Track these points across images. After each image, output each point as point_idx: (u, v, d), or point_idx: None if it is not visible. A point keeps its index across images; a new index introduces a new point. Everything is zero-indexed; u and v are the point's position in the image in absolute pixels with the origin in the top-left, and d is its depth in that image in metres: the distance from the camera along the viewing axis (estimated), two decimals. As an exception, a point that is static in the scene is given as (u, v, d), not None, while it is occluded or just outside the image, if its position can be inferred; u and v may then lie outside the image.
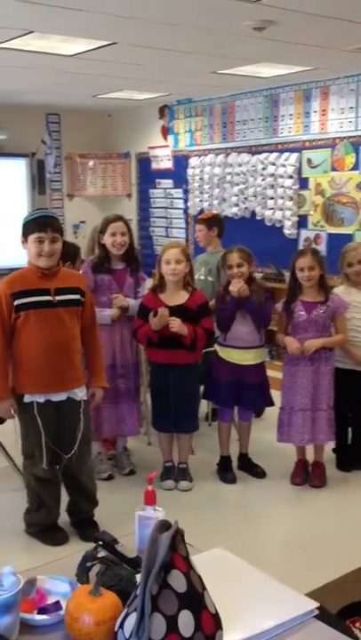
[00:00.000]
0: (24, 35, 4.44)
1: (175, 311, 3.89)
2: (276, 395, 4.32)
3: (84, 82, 6.26)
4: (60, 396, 3.33)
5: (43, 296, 3.24)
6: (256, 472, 4.31)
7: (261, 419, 5.00)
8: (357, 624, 2.06)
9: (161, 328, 3.85)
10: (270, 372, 5.50)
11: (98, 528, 3.45)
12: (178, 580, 1.32)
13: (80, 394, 3.40)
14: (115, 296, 4.07)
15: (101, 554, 1.68)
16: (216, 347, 4.23)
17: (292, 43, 4.67)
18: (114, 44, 4.69)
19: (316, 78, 5.94)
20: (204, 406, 5.11)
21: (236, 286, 4.00)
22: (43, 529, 3.48)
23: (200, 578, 1.39)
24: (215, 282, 4.79)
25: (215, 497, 4.08)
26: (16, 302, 3.21)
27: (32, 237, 3.23)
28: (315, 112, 6.10)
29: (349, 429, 4.43)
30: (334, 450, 4.45)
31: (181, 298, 3.96)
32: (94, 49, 4.86)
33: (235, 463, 4.38)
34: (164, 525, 1.38)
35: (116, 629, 1.34)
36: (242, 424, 4.37)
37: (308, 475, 4.22)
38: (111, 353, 4.06)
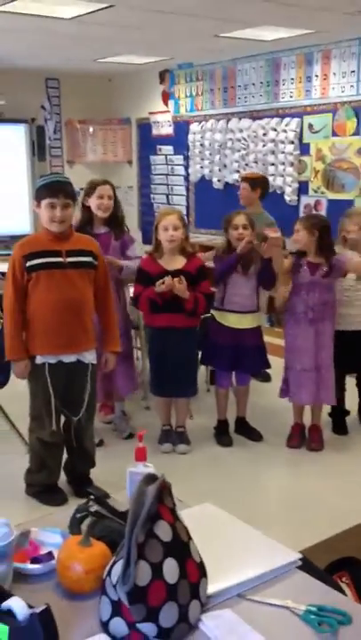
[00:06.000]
0: (20, -3, 4.39)
1: (174, 276, 3.93)
2: (274, 360, 4.36)
3: (84, 46, 6.20)
4: (70, 358, 3.38)
5: (53, 257, 3.28)
6: (253, 436, 4.37)
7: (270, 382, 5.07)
8: (344, 578, 2.12)
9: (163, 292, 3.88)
10: (270, 339, 5.57)
11: (93, 485, 3.54)
12: (163, 530, 1.37)
13: (89, 357, 3.45)
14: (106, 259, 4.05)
15: (93, 508, 1.73)
16: (213, 312, 4.26)
17: (294, 5, 4.60)
18: (111, 6, 4.63)
19: (318, 42, 5.87)
20: (204, 371, 5.16)
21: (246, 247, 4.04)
22: (42, 489, 3.56)
23: (186, 528, 1.44)
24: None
25: (213, 460, 4.15)
26: (27, 264, 3.26)
27: (45, 202, 3.25)
28: (316, 76, 6.04)
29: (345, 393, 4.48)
30: (330, 414, 4.51)
31: (179, 263, 3.99)
32: (93, 12, 4.81)
33: (232, 427, 4.44)
34: (150, 478, 1.42)
35: (104, 577, 1.39)
36: (239, 388, 4.42)
37: (304, 438, 4.28)
38: None
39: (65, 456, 3.64)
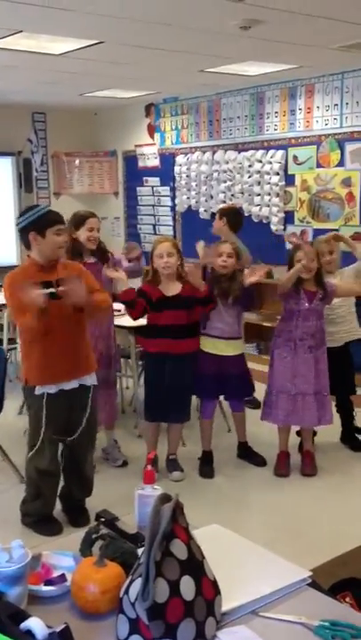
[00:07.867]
0: (13, 34, 4.49)
1: (172, 300, 4.00)
2: (262, 387, 4.41)
3: (72, 81, 6.32)
4: (71, 384, 3.41)
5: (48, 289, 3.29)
6: (256, 461, 4.40)
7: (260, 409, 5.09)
8: (347, 599, 2.14)
9: (159, 318, 3.94)
10: (258, 366, 5.62)
11: (89, 515, 3.53)
12: (179, 549, 1.39)
13: (90, 380, 3.50)
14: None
15: (103, 531, 1.75)
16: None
17: (278, 41, 4.75)
18: (101, 42, 4.75)
19: (302, 76, 6.04)
20: (195, 399, 5.18)
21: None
22: (38, 519, 3.54)
23: (199, 547, 1.47)
24: None
25: (207, 486, 4.15)
26: None
27: (52, 230, 3.29)
28: (300, 110, 6.20)
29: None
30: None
31: (177, 288, 4.06)
32: (82, 48, 4.92)
33: (234, 453, 4.48)
34: (165, 498, 1.45)
35: (121, 595, 1.41)
36: (235, 415, 4.45)
37: (290, 466, 4.29)
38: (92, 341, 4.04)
39: (61, 484, 3.64)
